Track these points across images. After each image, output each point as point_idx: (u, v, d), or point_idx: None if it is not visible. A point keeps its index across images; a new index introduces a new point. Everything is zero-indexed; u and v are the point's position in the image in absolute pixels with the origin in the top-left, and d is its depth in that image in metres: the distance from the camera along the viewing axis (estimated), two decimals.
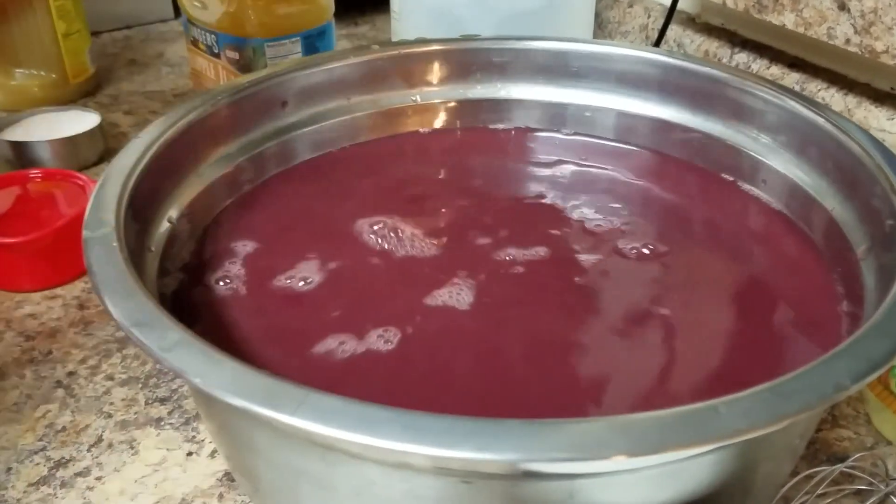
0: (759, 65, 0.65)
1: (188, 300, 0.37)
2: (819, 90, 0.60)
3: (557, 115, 0.49)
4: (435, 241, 0.42)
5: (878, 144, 0.37)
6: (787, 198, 0.43)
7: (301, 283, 0.39)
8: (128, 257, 0.29)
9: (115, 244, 0.29)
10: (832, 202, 0.39)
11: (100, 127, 0.68)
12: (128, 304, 0.27)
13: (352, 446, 0.24)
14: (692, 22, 0.71)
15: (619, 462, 0.23)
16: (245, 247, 0.42)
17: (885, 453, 0.43)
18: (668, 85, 0.46)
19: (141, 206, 0.35)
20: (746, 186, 0.45)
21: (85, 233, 0.30)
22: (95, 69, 0.82)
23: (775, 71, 0.63)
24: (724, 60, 0.66)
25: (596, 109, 0.48)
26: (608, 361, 0.35)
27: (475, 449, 0.23)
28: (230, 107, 0.42)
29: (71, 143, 0.66)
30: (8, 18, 0.75)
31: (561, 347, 0.35)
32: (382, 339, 0.35)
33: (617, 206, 0.45)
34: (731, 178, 0.45)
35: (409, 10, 0.69)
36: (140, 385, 0.47)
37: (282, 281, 0.39)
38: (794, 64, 0.63)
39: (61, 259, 0.55)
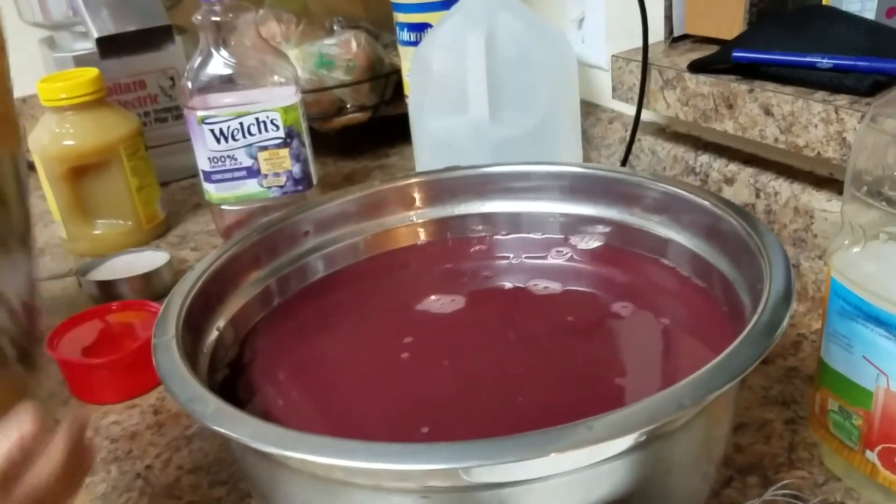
0: (719, 163, 0.71)
1: (234, 387, 0.47)
2: (770, 181, 0.67)
3: (518, 222, 0.59)
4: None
5: (753, 221, 0.47)
6: (692, 265, 0.53)
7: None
8: (182, 354, 0.40)
9: (174, 345, 0.40)
10: (726, 268, 0.48)
11: (169, 263, 0.79)
12: (183, 386, 0.38)
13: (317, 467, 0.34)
14: (662, 131, 0.79)
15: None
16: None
17: (834, 488, 0.49)
18: (600, 189, 0.56)
19: (195, 319, 0.45)
20: (664, 260, 0.55)
21: (154, 340, 0.41)
22: (166, 214, 0.93)
23: (733, 167, 0.70)
24: (690, 162, 0.74)
25: (548, 214, 0.58)
26: (565, 375, 0.46)
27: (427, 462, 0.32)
28: (261, 241, 0.53)
29: (145, 278, 0.77)
30: (90, 178, 0.86)
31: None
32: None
33: (571, 278, 0.56)
34: (654, 256, 0.55)
35: (423, 145, 0.79)
36: (204, 472, 0.55)
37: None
38: (749, 160, 0.70)
39: (138, 374, 0.63)
